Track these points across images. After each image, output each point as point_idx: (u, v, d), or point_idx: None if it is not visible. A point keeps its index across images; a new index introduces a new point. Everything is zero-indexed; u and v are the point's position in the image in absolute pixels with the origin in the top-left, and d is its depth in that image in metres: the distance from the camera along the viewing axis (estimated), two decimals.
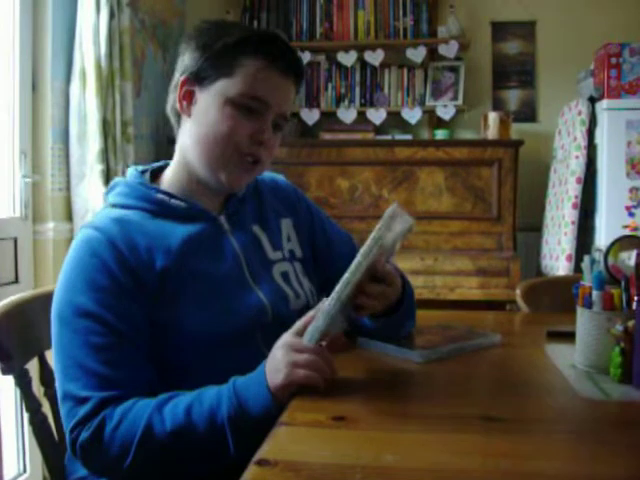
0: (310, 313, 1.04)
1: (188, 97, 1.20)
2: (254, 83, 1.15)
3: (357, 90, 3.87)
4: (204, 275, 1.14)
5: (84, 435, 1.00)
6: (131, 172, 1.26)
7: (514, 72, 3.88)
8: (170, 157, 1.28)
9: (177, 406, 1.00)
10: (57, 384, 1.07)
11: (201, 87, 1.18)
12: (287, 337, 1.03)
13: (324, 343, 1.03)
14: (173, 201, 1.20)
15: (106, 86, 2.70)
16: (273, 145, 1.21)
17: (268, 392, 0.98)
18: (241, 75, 1.15)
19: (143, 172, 1.27)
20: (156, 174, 1.28)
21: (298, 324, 1.04)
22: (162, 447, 0.98)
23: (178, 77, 1.22)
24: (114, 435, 0.99)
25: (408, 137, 3.74)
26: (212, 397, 1.00)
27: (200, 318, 1.11)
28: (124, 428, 0.99)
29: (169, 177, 1.25)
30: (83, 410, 1.01)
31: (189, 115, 1.20)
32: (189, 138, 1.20)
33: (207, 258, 1.17)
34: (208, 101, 1.17)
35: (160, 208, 1.19)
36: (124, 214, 1.17)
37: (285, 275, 1.26)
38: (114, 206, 1.21)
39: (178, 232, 1.17)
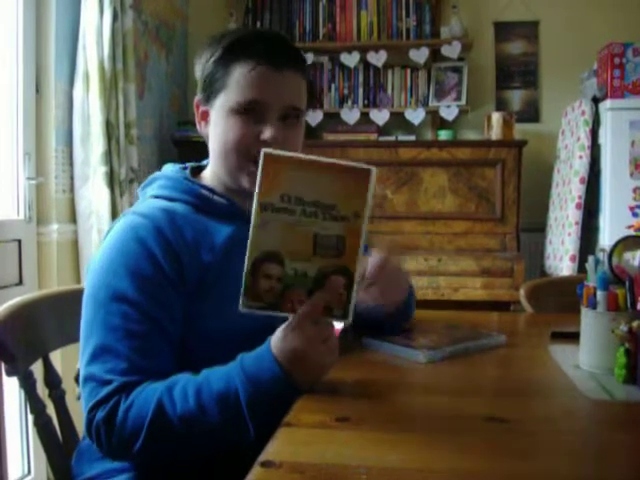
0: (317, 299, 0.97)
1: (205, 117, 1.26)
2: (245, 88, 1.17)
3: (360, 91, 3.87)
4: (237, 274, 1.15)
5: (100, 415, 1.01)
6: (170, 168, 1.29)
7: (517, 72, 3.87)
8: (174, 158, 1.29)
9: (186, 391, 1.00)
10: (80, 365, 1.07)
11: (210, 105, 1.23)
12: (309, 331, 0.98)
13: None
14: (216, 198, 1.23)
15: (109, 88, 2.70)
16: (287, 140, 1.20)
17: (290, 387, 0.98)
18: (233, 84, 1.18)
19: (183, 169, 1.30)
20: (194, 172, 1.31)
21: (309, 311, 0.97)
22: (172, 430, 0.99)
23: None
24: (126, 416, 0.99)
25: (411, 138, 3.75)
26: (221, 382, 0.99)
27: (229, 316, 1.11)
28: (136, 409, 0.99)
29: (208, 178, 1.28)
30: (103, 392, 1.02)
31: (207, 134, 1.26)
32: (210, 153, 1.26)
33: (242, 258, 1.18)
34: (215, 116, 1.22)
35: (203, 203, 1.22)
36: (169, 205, 1.19)
37: None
38: (157, 197, 1.23)
39: (222, 231, 1.19)
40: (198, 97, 1.25)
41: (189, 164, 1.33)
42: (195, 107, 1.27)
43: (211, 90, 1.21)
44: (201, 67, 1.23)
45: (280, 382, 0.97)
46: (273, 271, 0.96)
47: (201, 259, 1.14)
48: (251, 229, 0.94)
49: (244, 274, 0.96)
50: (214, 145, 1.23)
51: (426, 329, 1.37)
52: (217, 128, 1.21)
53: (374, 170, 0.93)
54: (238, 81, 1.18)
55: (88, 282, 1.13)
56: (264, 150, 0.91)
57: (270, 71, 1.17)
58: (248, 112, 1.18)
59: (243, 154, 1.19)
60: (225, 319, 1.12)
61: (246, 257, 0.95)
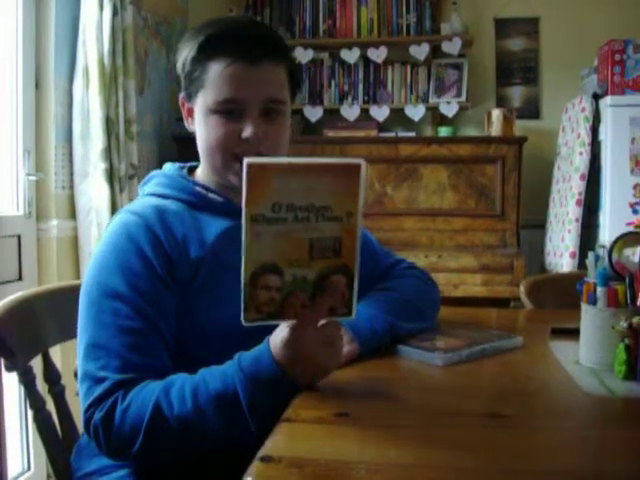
0: (320, 303, 0.97)
1: (190, 114, 1.26)
2: (222, 87, 1.16)
3: (360, 87, 3.86)
4: (233, 270, 1.14)
5: (97, 415, 1.01)
6: (169, 166, 1.30)
7: (517, 69, 3.87)
8: (174, 154, 1.29)
9: (184, 392, 0.99)
10: (78, 364, 1.07)
11: (193, 103, 1.23)
12: (312, 336, 0.97)
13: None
14: (211, 195, 1.23)
15: (109, 84, 2.70)
16: (270, 134, 1.19)
17: (290, 386, 0.97)
18: (210, 82, 1.17)
19: (181, 168, 1.30)
20: (191, 171, 1.32)
21: (313, 316, 0.97)
22: (170, 431, 0.98)
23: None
24: (124, 417, 0.99)
25: (411, 134, 3.73)
26: (218, 382, 0.99)
27: (224, 311, 1.10)
28: (133, 411, 0.99)
29: (201, 176, 1.29)
30: (98, 390, 1.01)
31: (194, 130, 1.25)
32: (199, 151, 1.25)
33: (237, 253, 1.17)
34: (198, 114, 1.22)
35: (198, 200, 1.22)
36: (162, 203, 1.20)
37: None
38: (152, 195, 1.24)
39: (213, 225, 1.19)
40: (182, 94, 1.25)
41: (189, 164, 1.33)
42: (181, 104, 1.27)
43: (191, 88, 1.21)
44: (181, 64, 1.22)
45: (279, 382, 0.97)
46: (272, 282, 0.93)
47: (190, 255, 1.14)
48: (243, 242, 0.90)
49: (242, 288, 0.92)
50: (200, 144, 1.23)
51: (443, 330, 1.34)
52: (200, 127, 1.21)
53: (363, 164, 0.89)
54: (214, 80, 1.16)
55: (84, 280, 1.13)
56: (247, 160, 0.84)
57: (246, 66, 1.16)
58: (227, 111, 1.17)
59: (226, 154, 1.19)
60: (219, 317, 1.11)
61: (242, 270, 0.91)
